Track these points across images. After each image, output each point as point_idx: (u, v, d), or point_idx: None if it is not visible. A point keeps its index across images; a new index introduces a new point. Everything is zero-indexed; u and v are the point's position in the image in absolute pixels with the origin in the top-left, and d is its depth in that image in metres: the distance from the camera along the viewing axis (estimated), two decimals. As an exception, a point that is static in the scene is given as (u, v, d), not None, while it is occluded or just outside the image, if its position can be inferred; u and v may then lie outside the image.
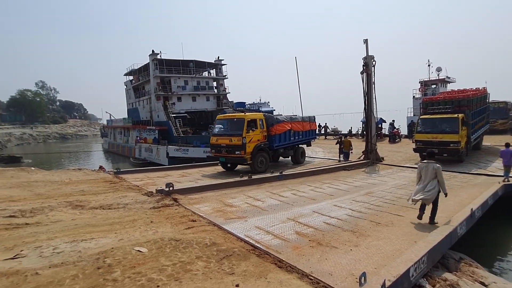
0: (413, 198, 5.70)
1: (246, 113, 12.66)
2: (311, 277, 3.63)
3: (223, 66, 37.92)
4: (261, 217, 6.15)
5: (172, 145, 25.15)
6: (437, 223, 5.58)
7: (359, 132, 27.53)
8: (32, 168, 10.50)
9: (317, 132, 24.51)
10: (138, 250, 4.02)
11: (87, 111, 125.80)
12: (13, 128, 64.09)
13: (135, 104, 39.81)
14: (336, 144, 15.64)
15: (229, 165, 12.75)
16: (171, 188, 7.65)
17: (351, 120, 52.19)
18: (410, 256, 3.96)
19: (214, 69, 38.53)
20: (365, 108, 13.66)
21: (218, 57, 37.63)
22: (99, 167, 12.46)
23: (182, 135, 28.12)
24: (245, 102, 33.30)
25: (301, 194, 8.21)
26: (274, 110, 34.79)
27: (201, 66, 36.81)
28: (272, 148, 12.61)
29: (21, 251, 3.80)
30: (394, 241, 4.86)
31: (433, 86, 34.43)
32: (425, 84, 34.88)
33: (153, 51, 32.78)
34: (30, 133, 64.89)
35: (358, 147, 17.59)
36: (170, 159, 23.95)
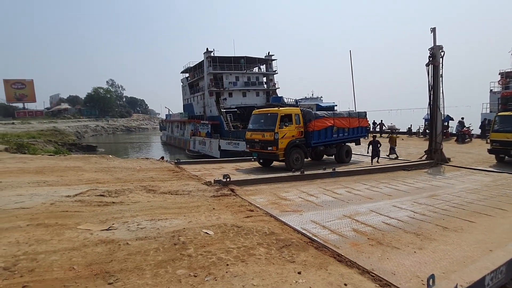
0: None
1: (280, 108, 12.10)
2: (373, 274, 3.61)
3: (273, 62, 38.17)
4: (316, 212, 6.19)
5: (223, 139, 26.35)
6: None
7: (421, 131, 25.34)
8: (110, 156, 12.10)
9: (371, 129, 23.20)
10: (206, 232, 4.44)
11: (148, 106, 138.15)
12: (89, 121, 73.59)
13: (190, 100, 42.46)
14: (368, 146, 13.53)
15: (261, 161, 12.33)
16: (228, 179, 8.11)
17: (410, 116, 48.07)
18: (486, 264, 3.66)
19: (264, 65, 39.02)
20: (430, 104, 12.53)
21: (269, 52, 37.99)
22: (161, 158, 13.67)
23: (233, 130, 29.20)
24: (281, 97, 32.93)
25: (356, 192, 7.99)
26: (336, 105, 33.50)
27: (251, 62, 37.59)
28: (309, 145, 11.95)
29: (113, 224, 4.50)
30: (465, 247, 4.51)
31: (518, 77, 29.78)
32: (507, 76, 30.25)
33: (207, 49, 34.45)
34: (102, 125, 73.88)
35: (419, 147, 16.30)
36: (222, 152, 25.15)
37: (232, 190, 7.54)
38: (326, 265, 3.75)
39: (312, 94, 52.90)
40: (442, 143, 13.11)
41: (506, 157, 12.19)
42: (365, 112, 15.51)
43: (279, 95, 37.57)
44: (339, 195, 7.65)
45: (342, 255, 4.09)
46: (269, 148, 11.08)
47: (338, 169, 10.74)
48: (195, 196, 6.76)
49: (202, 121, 33.14)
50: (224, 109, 32.21)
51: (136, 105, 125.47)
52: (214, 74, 34.36)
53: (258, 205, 6.37)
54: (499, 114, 12.66)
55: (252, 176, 9.83)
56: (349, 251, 4.28)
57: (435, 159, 12.39)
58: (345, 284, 3.29)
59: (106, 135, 67.56)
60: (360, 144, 15.61)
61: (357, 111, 15.44)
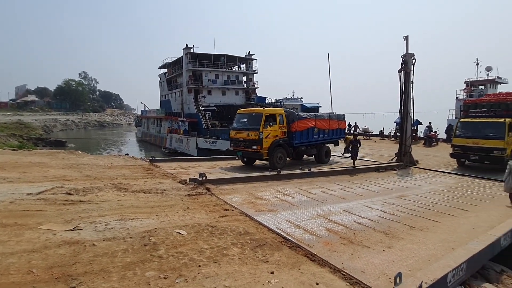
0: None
1: (265, 108, 12.32)
2: (343, 273, 3.69)
3: (253, 61, 38.17)
4: (291, 211, 6.25)
5: (201, 137, 25.97)
6: None
7: (392, 134, 26.47)
8: (79, 152, 11.47)
9: (346, 131, 23.84)
10: (179, 232, 4.32)
11: (123, 101, 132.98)
12: (59, 114, 69.53)
13: (167, 96, 41.42)
14: (348, 145, 13.43)
15: (245, 160, 12.56)
16: (204, 178, 7.98)
17: (382, 120, 50.16)
18: (448, 262, 3.87)
19: (245, 64, 38.93)
20: (401, 108, 13.12)
21: (249, 52, 37.93)
22: (125, 154, 13.02)
23: (211, 128, 28.85)
24: (265, 98, 33.15)
25: (330, 193, 8.18)
26: (321, 106, 33.86)
27: (231, 60, 37.35)
28: (292, 145, 12.24)
29: (79, 224, 4.25)
30: (430, 246, 4.74)
31: (481, 87, 31.98)
32: (471, 85, 32.40)
33: (186, 45, 33.77)
34: (73, 119, 70.12)
35: (390, 149, 17.00)
36: (199, 151, 24.78)
37: (208, 189, 7.43)
38: (299, 265, 3.79)
39: (293, 95, 53.49)
40: (411, 146, 13.77)
41: (467, 161, 12.72)
42: (344, 115, 15.98)
43: (258, 95, 37.71)
44: (314, 195, 7.79)
45: (315, 254, 4.16)
46: (253, 147, 11.29)
47: (314, 169, 10.94)
48: (169, 195, 6.58)
49: (179, 118, 32.44)
50: (203, 107, 31.74)
51: (110, 100, 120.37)
52: (193, 71, 33.74)
53: (233, 205, 6.32)
54: (460, 120, 13.07)
55: (229, 175, 9.76)
56: (322, 250, 4.35)
57: (404, 162, 12.99)
58: (317, 283, 3.33)
59: (77, 130, 64.22)
60: (338, 145, 16.03)
61: (337, 113, 15.78)
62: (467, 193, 8.79)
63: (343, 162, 14.37)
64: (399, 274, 3.27)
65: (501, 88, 31.54)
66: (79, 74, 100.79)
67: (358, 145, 12.23)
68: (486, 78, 32.06)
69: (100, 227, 4.21)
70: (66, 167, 8.61)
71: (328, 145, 14.66)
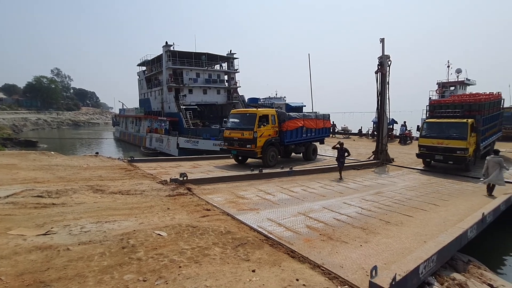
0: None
1: (259, 109, 13.01)
2: (323, 268, 3.79)
3: (235, 60, 38.02)
4: (273, 210, 6.32)
5: (182, 137, 25.55)
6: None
7: (370, 132, 27.35)
8: (52, 152, 10.93)
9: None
10: (158, 234, 4.25)
11: (99, 100, 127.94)
12: (29, 113, 65.77)
13: (147, 95, 40.37)
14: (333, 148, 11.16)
15: (240, 158, 13.13)
16: (185, 178, 7.88)
17: (361, 119, 51.70)
18: (420, 254, 4.07)
19: (226, 63, 38.71)
20: (377, 108, 13.59)
21: (230, 50, 37.74)
22: (96, 153, 12.54)
23: (192, 127, 28.46)
24: (258, 98, 33.24)
25: (311, 191, 8.34)
26: (305, 106, 34.20)
27: (213, 59, 36.98)
28: (283, 143, 12.87)
29: (52, 228, 4.07)
30: (404, 240, 4.97)
31: (452, 88, 33.75)
32: (443, 86, 34.18)
33: (166, 42, 33.05)
34: (45, 118, 66.56)
35: (368, 147, 17.56)
36: (180, 150, 24.37)
37: (189, 189, 7.34)
38: (280, 262, 3.85)
39: (276, 94, 53.62)
40: (388, 144, 14.30)
41: (432, 161, 12.73)
42: (329, 115, 16.75)
43: (240, 94, 37.65)
44: (295, 193, 7.91)
45: (295, 251, 4.24)
46: (248, 146, 11.81)
47: (296, 168, 11.12)
48: (148, 196, 6.44)
49: (160, 118, 31.72)
50: (184, 105, 31.23)
51: (85, 98, 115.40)
52: (173, 69, 33.09)
53: (215, 204, 6.30)
54: (426, 120, 12.99)
55: (211, 175, 9.69)
56: (302, 247, 4.44)
57: (381, 159, 13.48)
58: (297, 279, 3.40)
59: (50, 130, 61.07)
60: (324, 144, 16.79)
61: (322, 113, 16.39)
62: (438, 188, 9.27)
63: (329, 160, 14.89)
64: (375, 268, 3.41)
65: (470, 89, 33.44)
66: (51, 71, 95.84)
67: (346, 154, 10.63)
68: (456, 80, 33.88)
69: (75, 231, 4.05)
70: (38, 169, 8.19)
71: (315, 143, 15.42)
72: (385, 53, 12.89)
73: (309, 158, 14.71)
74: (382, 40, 13.00)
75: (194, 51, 34.54)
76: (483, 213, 5.97)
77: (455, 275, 4.41)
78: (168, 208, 5.67)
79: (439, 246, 4.37)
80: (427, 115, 13.67)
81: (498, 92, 15.50)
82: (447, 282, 4.07)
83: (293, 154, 14.77)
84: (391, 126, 22.75)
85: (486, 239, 6.98)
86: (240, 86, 37.89)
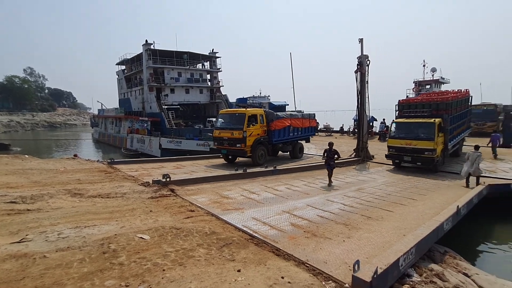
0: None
1: (248, 109, 13.22)
2: (307, 265, 3.85)
3: (217, 59, 37.72)
4: (257, 209, 6.35)
5: (164, 137, 25.08)
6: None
7: (351, 130, 28.00)
8: (26, 156, 10.39)
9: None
10: (141, 237, 4.16)
11: (76, 100, 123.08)
12: (0, 115, 62.23)
13: (127, 94, 39.29)
14: (324, 154, 9.51)
15: (230, 157, 13.31)
16: (168, 179, 7.75)
17: (343, 117, 52.82)
18: (400, 247, 4.21)
19: (208, 62, 38.31)
20: (358, 106, 13.93)
21: (213, 49, 37.43)
22: (74, 155, 12.12)
23: (175, 127, 28.01)
24: (246, 98, 33.22)
25: (295, 189, 8.44)
26: (288, 104, 34.50)
27: (195, 58, 36.50)
28: (271, 142, 13.20)
29: (27, 235, 3.88)
30: (384, 234, 5.14)
31: (427, 86, 35.13)
32: (419, 84, 35.54)
33: (146, 41, 32.31)
34: (17, 120, 63.21)
35: (349, 145, 17.95)
36: (163, 151, 23.91)
37: (172, 191, 7.23)
38: (265, 260, 3.87)
39: (260, 93, 53.58)
40: (368, 141, 14.70)
41: (401, 162, 12.16)
42: (314, 114, 17.15)
43: (223, 93, 37.42)
44: (280, 192, 7.97)
45: (281, 249, 4.28)
46: (237, 145, 12.02)
47: (280, 167, 11.22)
48: (130, 198, 6.28)
49: (141, 118, 30.95)
50: (166, 105, 30.66)
51: (61, 98, 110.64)
52: (154, 69, 32.38)
53: (199, 205, 6.24)
54: (395, 120, 12.60)
55: (194, 175, 9.58)
56: (287, 244, 4.49)
57: (362, 157, 13.83)
58: (282, 277, 3.44)
59: (23, 132, 58.06)
60: (309, 142, 17.25)
61: (308, 113, 16.84)
62: (415, 184, 9.64)
63: (312, 158, 15.27)
64: (357, 262, 3.50)
65: (444, 87, 34.95)
66: (24, 70, 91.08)
67: (336, 156, 9.20)
68: (431, 79, 35.30)
69: (52, 237, 3.89)
70: (11, 173, 7.77)
71: (301, 141, 15.79)
72: (364, 53, 13.21)
73: (296, 156, 15.12)
74: (361, 41, 13.32)
75: (176, 50, 33.97)
76: (458, 206, 6.27)
77: (433, 266, 4.60)
78: (150, 211, 5.55)
79: (418, 239, 4.55)
80: (396, 114, 13.22)
81: (466, 89, 15.41)
82: (425, 273, 4.24)
83: (280, 152, 15.02)
84: (371, 124, 23.39)
85: (461, 230, 7.33)
86: (223, 86, 37.66)
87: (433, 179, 10.48)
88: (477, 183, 9.05)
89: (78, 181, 7.52)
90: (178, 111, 31.49)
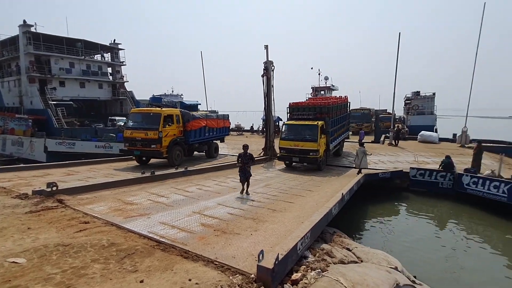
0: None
1: (163, 109, 12.74)
2: (216, 262, 3.91)
3: (120, 51, 34.08)
4: (166, 212, 6.06)
5: (52, 138, 21.06)
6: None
7: (260, 129, 29.80)
8: None
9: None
10: (14, 262, 3.39)
11: None
12: None
13: (-5, 86, 31.24)
14: (238, 159, 8.02)
15: (144, 159, 12.84)
16: (54, 188, 6.57)
17: (253, 117, 55.74)
18: (298, 233, 4.74)
19: (109, 53, 34.18)
20: (265, 108, 14.96)
21: (114, 40, 33.68)
22: None
23: (66, 127, 23.91)
24: (162, 98, 31.01)
25: (206, 189, 8.42)
26: (200, 104, 33.50)
27: (92, 47, 31.99)
28: (187, 142, 13.13)
29: None
30: (286, 223, 5.69)
31: (322, 92, 40.49)
32: (316, 90, 40.69)
33: (24, 21, 26.51)
34: None
35: (259, 144, 19.06)
36: (49, 155, 20.07)
37: (60, 201, 6.16)
38: (173, 265, 3.73)
39: (172, 91, 50.62)
40: (274, 140, 15.92)
41: (292, 163, 12.76)
42: (228, 115, 17.68)
43: (129, 90, 34.04)
44: (190, 193, 7.82)
45: (189, 251, 4.20)
46: (152, 146, 11.61)
47: (191, 167, 10.99)
48: (-3, 216, 5.03)
49: (18, 115, 25.08)
50: (54, 101, 25.82)
51: None
52: (36, 56, 26.79)
53: (95, 215, 5.52)
54: (285, 122, 13.23)
55: (91, 182, 8.39)
56: (196, 245, 4.45)
57: (269, 155, 14.89)
58: (190, 280, 3.39)
59: None
60: (224, 142, 17.60)
61: (222, 113, 17.19)
62: (312, 177, 11.00)
63: (227, 157, 15.63)
64: (262, 252, 3.76)
65: (334, 93, 41.01)
66: None
67: (251, 161, 7.99)
68: (325, 85, 40.99)
69: None
70: None
71: (216, 141, 16.12)
72: (269, 59, 14.23)
73: (212, 155, 15.46)
74: (266, 47, 14.32)
75: (66, 36, 29.02)
76: (342, 193, 7.48)
77: (324, 245, 5.35)
78: (28, 228, 4.59)
79: (312, 224, 5.21)
80: (287, 117, 13.85)
81: (345, 96, 17.69)
82: (318, 252, 4.89)
83: (196, 152, 15.04)
84: (277, 123, 25.44)
85: (346, 212, 8.78)
86: (127, 81, 34.30)
87: (326, 172, 12.18)
88: (360, 171, 11.25)
89: None
90: (71, 108, 26.95)
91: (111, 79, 32.95)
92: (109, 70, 33.77)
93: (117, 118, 28.07)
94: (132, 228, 4.98)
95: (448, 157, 12.08)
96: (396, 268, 5.01)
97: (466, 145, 19.72)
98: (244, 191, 7.84)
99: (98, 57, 33.67)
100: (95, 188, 7.54)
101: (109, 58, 33.99)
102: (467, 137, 20.32)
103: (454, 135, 22.52)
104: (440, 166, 12.15)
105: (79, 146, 20.04)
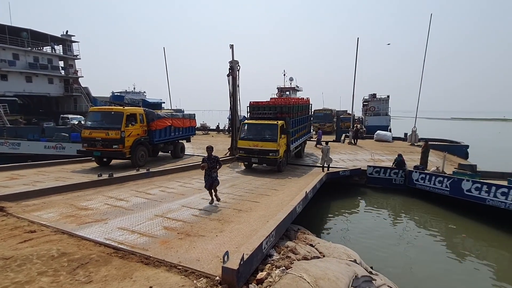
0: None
1: (125, 107, 12.19)
2: (179, 267, 3.78)
3: (73, 44, 31.57)
4: (125, 217, 5.73)
5: (-9, 139, 18.80)
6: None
7: (226, 128, 29.59)
8: None
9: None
10: None
11: None
12: None
13: None
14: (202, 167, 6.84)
15: (105, 160, 12.29)
16: (-7, 195, 5.86)
17: (219, 117, 55.17)
18: (263, 232, 4.77)
19: (61, 46, 31.49)
20: (231, 107, 14.87)
21: (67, 31, 31.10)
22: None
23: (9, 126, 21.55)
24: (123, 96, 29.16)
25: (170, 191, 8.14)
26: (164, 102, 32.10)
27: (40, 38, 29.22)
28: (152, 142, 12.78)
29: None
30: (252, 223, 5.70)
31: (287, 92, 41.34)
32: (281, 90, 41.43)
33: (-45, 5, 23.26)
34: None
35: (225, 143, 18.91)
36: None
37: (1, 209, 5.51)
38: (132, 273, 3.53)
39: (134, 88, 47.75)
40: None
41: (252, 164, 12.39)
42: (194, 114, 17.27)
43: (84, 85, 31.66)
44: (153, 196, 7.49)
45: (151, 257, 4.01)
46: (114, 146, 11.12)
47: (153, 169, 10.54)
48: None
49: None
50: (-7, 96, 23.12)
51: None
52: (-30, 45, 23.75)
53: (44, 223, 5.03)
54: (244, 121, 12.91)
55: (39, 186, 7.63)
56: (158, 250, 4.26)
57: (235, 155, 14.82)
58: (150, 287, 3.23)
59: None
60: (190, 142, 17.26)
61: (188, 113, 16.71)
62: (277, 176, 11.18)
63: (194, 157, 15.27)
64: (227, 253, 3.72)
65: (299, 94, 42.18)
66: None
67: (218, 166, 7.01)
68: (290, 86, 41.95)
69: None
70: None
71: (182, 141, 15.75)
72: (235, 59, 14.17)
73: (178, 156, 15.13)
74: (232, 47, 14.23)
75: (9, 25, 26.11)
76: (306, 192, 7.71)
77: (289, 243, 5.46)
78: (-41, 241, 4.03)
79: (277, 223, 5.28)
80: (248, 116, 13.49)
81: (307, 98, 17.70)
82: (282, 250, 4.97)
83: (161, 152, 14.59)
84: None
85: (309, 210, 9.07)
86: (82, 76, 31.91)
87: (290, 171, 12.46)
88: (328, 169, 12.08)
89: None
90: (15, 105, 24.32)
91: (63, 73, 30.38)
92: (61, 64, 31.10)
93: (70, 116, 25.94)
94: (87, 235, 4.62)
95: (400, 155, 13.11)
96: (355, 261, 5.28)
97: (416, 144, 21.53)
98: (214, 201, 6.97)
99: (48, 49, 30.80)
100: (43, 193, 6.88)
101: (61, 51, 31.31)
102: (416, 136, 22.17)
103: (405, 134, 24.42)
104: (393, 163, 13.12)
105: (25, 147, 18.16)
